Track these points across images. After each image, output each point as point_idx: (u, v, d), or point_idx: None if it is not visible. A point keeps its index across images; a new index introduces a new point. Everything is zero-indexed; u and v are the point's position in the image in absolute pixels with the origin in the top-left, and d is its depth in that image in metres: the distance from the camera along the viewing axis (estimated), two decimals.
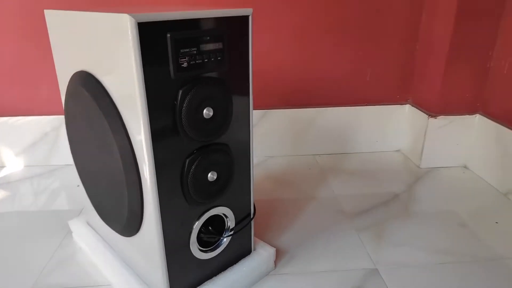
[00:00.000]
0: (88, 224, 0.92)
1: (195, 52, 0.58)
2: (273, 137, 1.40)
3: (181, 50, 0.56)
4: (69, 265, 0.86)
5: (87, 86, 0.65)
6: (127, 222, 0.67)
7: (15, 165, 1.35)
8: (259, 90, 1.34)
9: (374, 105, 1.40)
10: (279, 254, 0.89)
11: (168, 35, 0.54)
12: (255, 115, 1.36)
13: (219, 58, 0.61)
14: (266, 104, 1.37)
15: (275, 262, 0.85)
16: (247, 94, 0.68)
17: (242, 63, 0.66)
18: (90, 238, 0.88)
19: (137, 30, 0.51)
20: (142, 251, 0.70)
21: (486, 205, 1.09)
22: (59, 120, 1.31)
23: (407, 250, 0.90)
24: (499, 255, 0.88)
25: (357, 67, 1.35)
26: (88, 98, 0.64)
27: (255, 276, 0.80)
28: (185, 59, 0.57)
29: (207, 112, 0.62)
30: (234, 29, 0.63)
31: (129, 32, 0.51)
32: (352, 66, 1.34)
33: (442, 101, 1.26)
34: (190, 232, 0.68)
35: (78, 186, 1.22)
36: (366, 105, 1.40)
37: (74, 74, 0.70)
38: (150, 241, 0.65)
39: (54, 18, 0.72)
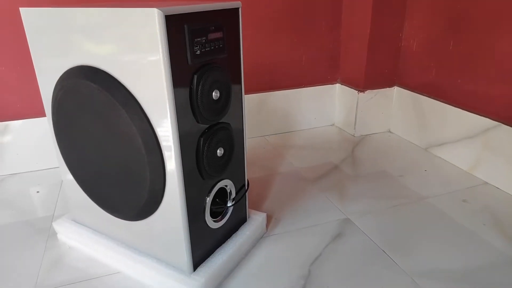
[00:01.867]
0: (76, 221, 0.92)
1: (204, 41, 0.66)
2: None
3: (195, 39, 0.64)
4: (64, 264, 0.86)
5: (94, 79, 0.67)
6: (145, 205, 0.72)
7: None
8: None
9: (310, 86, 1.58)
10: (266, 220, 1.00)
11: (185, 26, 0.61)
12: None
13: (221, 46, 0.69)
14: None
15: (266, 226, 0.96)
16: (240, 77, 0.78)
17: (236, 50, 0.75)
18: (82, 233, 0.89)
19: (165, 22, 0.57)
20: (159, 230, 0.75)
21: (413, 159, 1.34)
22: (1, 128, 1.23)
23: (365, 201, 1.08)
24: (428, 194, 1.12)
25: (293, 54, 1.50)
26: (97, 90, 0.67)
27: (254, 239, 0.90)
28: (198, 48, 0.64)
29: (215, 94, 0.70)
30: (228, 20, 0.71)
31: (157, 24, 0.57)
32: (289, 52, 1.50)
33: (367, 77, 1.48)
34: (205, 205, 0.75)
35: (38, 192, 1.17)
36: (303, 87, 1.57)
37: (69, 70, 0.72)
38: (171, 218, 0.71)
39: (34, 17, 0.72)
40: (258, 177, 1.23)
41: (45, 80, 0.78)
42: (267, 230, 0.96)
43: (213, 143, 0.72)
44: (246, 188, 0.88)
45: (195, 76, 0.65)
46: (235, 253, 0.82)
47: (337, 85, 1.61)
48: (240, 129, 0.81)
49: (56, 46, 0.72)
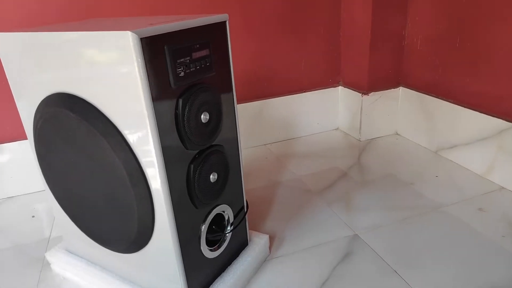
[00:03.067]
0: (70, 251, 0.88)
1: (188, 60, 0.60)
2: None
3: (178, 60, 0.58)
4: None
5: (72, 107, 0.62)
6: (136, 238, 0.67)
7: None
8: None
9: (311, 90, 1.52)
10: (270, 240, 0.94)
11: (166, 47, 0.56)
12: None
13: (208, 64, 0.64)
14: None
15: (269, 248, 0.91)
16: (231, 94, 0.72)
17: (225, 66, 0.69)
18: (76, 265, 0.84)
19: (140, 45, 0.52)
20: (152, 263, 0.70)
21: (423, 164, 1.27)
22: None
23: (374, 213, 1.02)
24: (443, 203, 1.05)
25: (292, 58, 1.44)
26: (76, 120, 0.62)
27: (256, 264, 0.84)
28: (181, 69, 0.59)
29: (204, 117, 0.64)
30: (215, 35, 0.66)
31: (132, 48, 0.52)
32: (288, 57, 1.44)
33: (370, 79, 1.42)
34: (199, 234, 0.70)
35: (33, 217, 1.13)
36: (304, 91, 1.51)
37: (47, 98, 0.67)
38: (163, 251, 0.66)
39: (8, 41, 0.68)
40: (260, 191, 1.18)
41: (24, 107, 0.73)
42: (270, 252, 0.90)
43: (205, 169, 0.67)
44: (246, 210, 0.83)
45: (180, 100, 0.60)
46: (236, 281, 0.77)
47: (340, 88, 1.55)
48: (235, 149, 0.76)
49: (32, 71, 0.67)
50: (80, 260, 0.85)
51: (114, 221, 0.69)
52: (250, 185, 1.22)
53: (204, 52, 0.63)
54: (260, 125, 1.48)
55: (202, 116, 0.64)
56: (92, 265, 0.83)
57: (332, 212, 1.04)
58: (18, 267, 0.92)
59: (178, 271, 0.67)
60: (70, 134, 0.65)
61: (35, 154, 0.76)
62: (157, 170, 0.59)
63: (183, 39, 0.59)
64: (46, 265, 0.91)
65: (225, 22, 0.67)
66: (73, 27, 0.65)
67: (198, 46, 0.61)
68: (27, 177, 1.24)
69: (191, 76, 0.61)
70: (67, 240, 0.87)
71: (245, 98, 1.43)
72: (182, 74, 0.59)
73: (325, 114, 1.56)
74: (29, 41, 0.64)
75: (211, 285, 0.75)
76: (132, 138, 0.59)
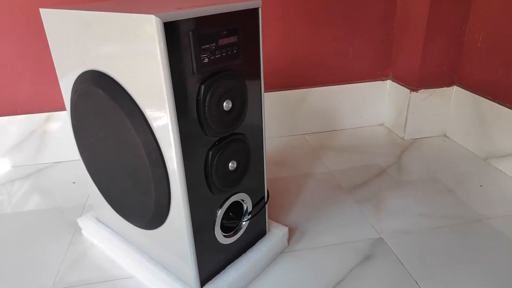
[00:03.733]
0: (99, 220, 0.93)
1: (214, 47, 0.59)
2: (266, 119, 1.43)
3: (202, 47, 0.58)
4: (84, 262, 0.87)
5: (103, 85, 0.65)
6: (153, 216, 0.69)
7: (2, 166, 1.31)
8: None
9: (357, 82, 1.45)
10: (290, 232, 0.94)
11: (190, 32, 0.56)
12: None
13: (234, 51, 0.63)
14: None
15: (288, 240, 0.90)
16: (259, 83, 0.71)
17: (254, 54, 0.68)
18: (103, 233, 0.89)
19: (163, 30, 0.52)
20: (168, 241, 0.72)
21: (469, 170, 1.18)
22: (44, 118, 1.27)
23: (405, 217, 0.97)
24: (485, 215, 0.97)
25: (339, 46, 1.39)
26: (105, 98, 0.65)
27: (272, 255, 0.84)
28: (205, 55, 0.59)
29: (226, 105, 0.64)
30: (246, 22, 0.64)
31: (156, 32, 0.52)
32: (335, 46, 1.38)
33: (421, 75, 1.33)
34: (215, 220, 0.71)
35: (74, 183, 1.21)
36: (349, 83, 1.45)
37: (83, 73, 0.70)
38: (178, 231, 0.68)
39: (53, 17, 0.71)
40: (288, 181, 1.16)
41: (64, 81, 0.77)
42: (288, 244, 0.90)
43: (224, 157, 0.67)
44: (266, 200, 0.82)
45: (202, 87, 0.60)
46: (248, 270, 0.77)
47: (388, 82, 1.47)
48: (259, 139, 0.75)
49: (72, 48, 0.70)
50: (106, 229, 0.90)
51: (135, 197, 0.71)
52: (279, 174, 1.21)
53: (231, 39, 0.62)
54: (300, 114, 1.45)
55: (224, 104, 0.63)
56: (116, 236, 0.87)
57: (359, 212, 1.00)
58: (55, 228, 0.99)
59: (189, 252, 0.68)
60: (99, 110, 0.67)
61: (71, 125, 0.80)
62: (174, 153, 0.60)
63: (209, 25, 0.58)
64: (78, 229, 0.97)
65: (257, 9, 0.65)
66: (110, 6, 0.67)
67: (225, 32, 0.60)
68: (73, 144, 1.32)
69: (216, 62, 0.60)
70: (97, 209, 0.92)
71: (287, 85, 1.41)
72: (206, 60, 0.59)
73: (370, 108, 1.50)
74: (68, 18, 0.67)
75: (223, 270, 0.76)
76: (153, 120, 0.60)
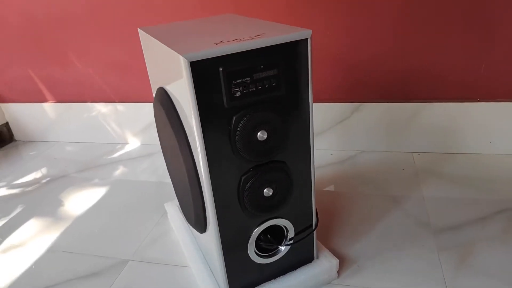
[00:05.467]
0: (178, 207, 1.06)
1: (248, 81, 0.60)
2: (367, 131, 1.34)
3: (234, 82, 0.59)
4: (160, 243, 1.01)
5: (163, 102, 0.73)
6: (196, 223, 0.76)
7: (134, 143, 1.59)
8: (352, 83, 1.29)
9: (489, 101, 1.21)
10: (347, 263, 0.89)
11: (220, 69, 0.58)
12: (347, 108, 1.32)
13: (273, 84, 0.62)
14: (359, 97, 1.31)
15: (339, 272, 0.86)
16: (306, 114, 0.68)
17: (301, 85, 0.66)
18: (178, 222, 1.01)
19: (190, 68, 0.56)
20: (209, 248, 0.78)
21: None
22: None
23: (491, 284, 0.81)
24: None
25: (467, 58, 1.17)
26: (163, 113, 0.73)
27: (313, 285, 0.82)
28: (238, 89, 0.60)
29: (261, 135, 0.64)
30: (290, 53, 0.62)
31: (184, 70, 0.56)
32: (461, 57, 1.18)
33: None
34: (248, 239, 0.73)
35: None
36: (478, 101, 1.22)
37: (158, 88, 0.80)
38: (213, 243, 0.73)
39: (144, 37, 0.82)
40: (368, 205, 1.08)
41: (153, 90, 0.89)
42: (339, 276, 0.86)
43: (257, 183, 0.68)
44: (313, 229, 0.80)
45: (234, 118, 0.62)
46: None
47: None
48: (305, 168, 0.73)
49: (154, 64, 0.81)
50: (181, 218, 1.02)
51: (187, 202, 0.79)
52: (361, 193, 1.13)
53: (270, 73, 0.61)
54: (411, 129, 1.30)
55: (258, 134, 0.64)
56: (185, 226, 0.98)
57: (437, 261, 0.88)
58: (153, 206, 1.17)
59: (220, 265, 0.73)
60: (163, 122, 0.77)
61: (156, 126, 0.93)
62: (203, 176, 0.65)
63: (244, 60, 0.59)
64: (166, 213, 1.13)
65: (306, 40, 0.62)
66: (180, 29, 0.74)
67: (262, 67, 0.60)
68: None
69: (250, 95, 0.61)
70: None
71: (400, 97, 1.28)
72: (238, 94, 0.60)
73: (503, 133, 1.24)
74: (148, 38, 0.77)
75: (257, 287, 0.78)
76: (191, 142, 0.66)
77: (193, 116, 0.60)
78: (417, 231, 0.97)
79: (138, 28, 0.85)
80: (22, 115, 1.67)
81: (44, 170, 1.44)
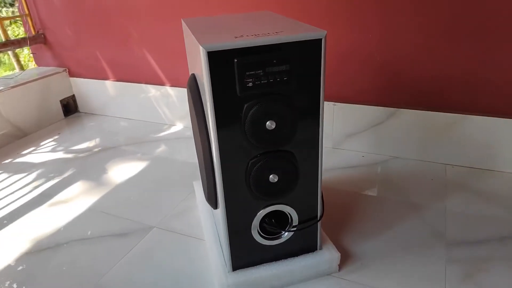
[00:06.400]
0: (201, 185, 1.15)
1: (261, 73, 0.66)
2: (402, 137, 1.33)
3: (247, 73, 0.66)
4: (184, 216, 1.11)
5: (191, 89, 0.81)
6: (209, 199, 0.84)
7: (178, 125, 1.71)
8: (390, 87, 1.29)
9: None
10: (351, 260, 0.92)
11: (235, 60, 0.64)
12: (383, 112, 1.32)
13: (285, 78, 0.68)
14: (396, 102, 1.30)
15: (342, 266, 0.89)
16: (316, 110, 0.73)
17: (313, 82, 0.70)
18: (202, 199, 1.10)
19: (207, 57, 0.63)
20: (219, 224, 0.86)
21: None
22: None
23: None
24: None
25: None
26: (191, 99, 0.81)
27: (313, 273, 0.86)
28: (250, 80, 0.66)
29: (269, 124, 0.70)
30: (304, 51, 0.67)
31: (202, 58, 0.63)
32: (507, 71, 1.13)
33: None
34: (252, 220, 0.80)
35: None
36: None
37: (191, 74, 0.88)
38: (220, 219, 0.80)
39: (185, 27, 0.91)
40: (386, 208, 1.09)
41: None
42: (340, 269, 0.89)
43: (263, 169, 0.74)
44: (318, 220, 0.84)
45: (245, 106, 0.68)
46: (278, 275, 0.83)
47: None
48: (313, 160, 0.77)
49: (189, 51, 0.89)
50: (202, 194, 1.10)
51: (203, 179, 0.87)
52: (384, 198, 1.14)
53: (282, 68, 0.67)
54: (446, 140, 1.28)
55: (267, 123, 0.70)
56: (208, 206, 1.07)
57: (442, 272, 0.87)
58: (183, 183, 1.27)
59: (225, 240, 0.80)
60: (190, 105, 0.85)
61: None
62: (214, 157, 0.72)
63: (258, 54, 0.65)
64: (194, 191, 1.22)
65: (320, 40, 0.67)
66: (210, 23, 0.81)
67: (275, 61, 0.66)
68: None
69: (262, 87, 0.67)
70: None
71: (435, 105, 1.26)
72: (250, 84, 0.66)
73: None
74: (186, 29, 0.85)
75: (258, 266, 0.84)
76: (208, 125, 0.73)
77: (208, 100, 0.67)
78: (430, 240, 0.97)
79: (182, 19, 0.94)
80: (87, 89, 1.87)
81: (97, 140, 1.60)
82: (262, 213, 0.79)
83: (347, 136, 1.42)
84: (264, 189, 0.76)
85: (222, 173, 0.73)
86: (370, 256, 0.93)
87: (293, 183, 0.78)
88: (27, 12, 1.80)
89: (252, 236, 0.81)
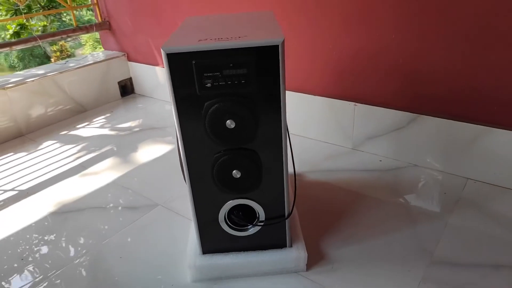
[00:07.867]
0: None
1: (219, 75, 0.71)
2: (422, 145, 1.26)
3: (205, 74, 0.71)
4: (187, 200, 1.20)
5: None
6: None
7: None
8: (411, 91, 1.22)
9: None
10: (323, 261, 0.93)
11: (193, 62, 0.70)
12: (404, 117, 1.26)
13: (242, 81, 0.71)
14: (418, 108, 1.23)
15: (310, 266, 0.91)
16: (277, 112, 0.75)
17: (273, 85, 0.73)
18: None
19: (167, 59, 0.69)
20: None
21: None
22: None
23: None
24: None
25: None
26: None
27: (277, 269, 0.90)
28: (209, 81, 0.71)
29: (229, 123, 0.74)
30: (262, 56, 0.70)
31: (164, 59, 0.70)
32: None
33: None
34: (219, 211, 0.85)
35: None
36: None
37: None
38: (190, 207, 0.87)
39: None
40: (378, 215, 1.06)
41: None
42: (307, 269, 0.91)
43: (226, 164, 0.79)
44: (285, 217, 0.87)
45: (205, 104, 0.73)
46: (244, 264, 0.88)
47: None
48: (277, 160, 0.80)
49: None
50: None
51: None
52: (383, 205, 1.10)
53: (240, 71, 0.70)
54: (470, 153, 1.18)
55: (227, 122, 0.74)
56: None
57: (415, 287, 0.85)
58: None
59: (195, 226, 0.87)
60: None
61: None
62: (180, 150, 0.79)
63: (216, 57, 0.69)
64: None
65: (276, 46, 0.69)
66: (203, 22, 0.87)
67: (231, 65, 0.70)
68: None
69: (220, 88, 0.72)
70: None
71: (459, 115, 1.17)
72: (209, 85, 0.71)
73: None
74: None
75: (226, 253, 0.90)
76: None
77: (170, 98, 0.73)
78: (414, 255, 0.93)
79: (186, 18, 1.01)
80: (141, 73, 2.05)
81: (140, 121, 1.77)
82: (228, 205, 0.84)
83: (367, 138, 1.38)
84: (227, 183, 0.81)
85: (187, 166, 0.80)
86: (344, 261, 0.93)
87: (257, 181, 0.81)
88: (95, 1, 2.02)
89: (220, 226, 0.87)
